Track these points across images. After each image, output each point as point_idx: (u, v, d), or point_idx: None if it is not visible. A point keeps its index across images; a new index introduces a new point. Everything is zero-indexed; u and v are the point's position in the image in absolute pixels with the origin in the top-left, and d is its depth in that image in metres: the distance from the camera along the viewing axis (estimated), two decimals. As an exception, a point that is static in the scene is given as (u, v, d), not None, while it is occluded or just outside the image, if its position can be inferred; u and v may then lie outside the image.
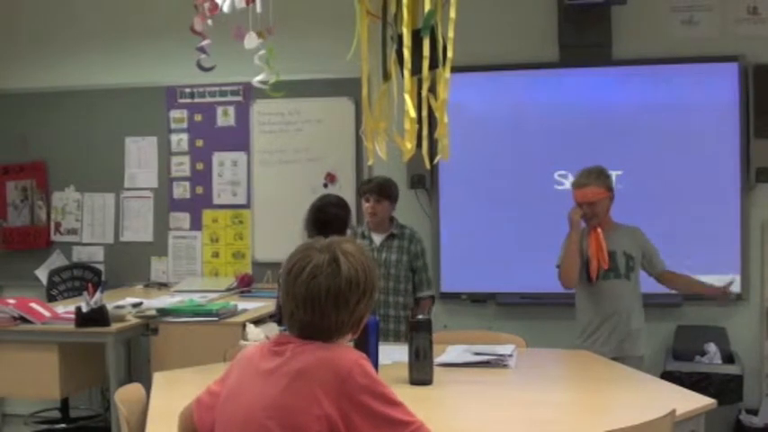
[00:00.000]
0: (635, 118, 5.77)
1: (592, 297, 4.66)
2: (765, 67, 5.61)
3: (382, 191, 5.08)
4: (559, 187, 5.77)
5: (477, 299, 5.91)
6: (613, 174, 5.60)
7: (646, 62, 5.77)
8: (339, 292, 2.25)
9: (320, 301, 2.24)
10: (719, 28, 5.78)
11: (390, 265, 5.06)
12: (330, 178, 6.14)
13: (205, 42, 4.24)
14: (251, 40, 4.08)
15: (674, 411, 2.73)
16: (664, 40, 5.80)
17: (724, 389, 5.12)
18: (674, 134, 5.72)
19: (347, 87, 5.83)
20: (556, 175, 5.83)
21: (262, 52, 4.13)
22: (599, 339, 4.61)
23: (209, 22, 4.15)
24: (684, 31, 5.81)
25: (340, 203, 4.81)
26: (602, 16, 5.74)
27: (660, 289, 5.08)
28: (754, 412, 5.44)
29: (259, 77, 4.21)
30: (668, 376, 4.97)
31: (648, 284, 4.85)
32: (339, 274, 2.25)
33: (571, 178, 5.06)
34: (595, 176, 4.64)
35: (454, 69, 3.63)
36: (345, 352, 2.24)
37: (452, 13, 3.55)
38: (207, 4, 4.09)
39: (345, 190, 5.96)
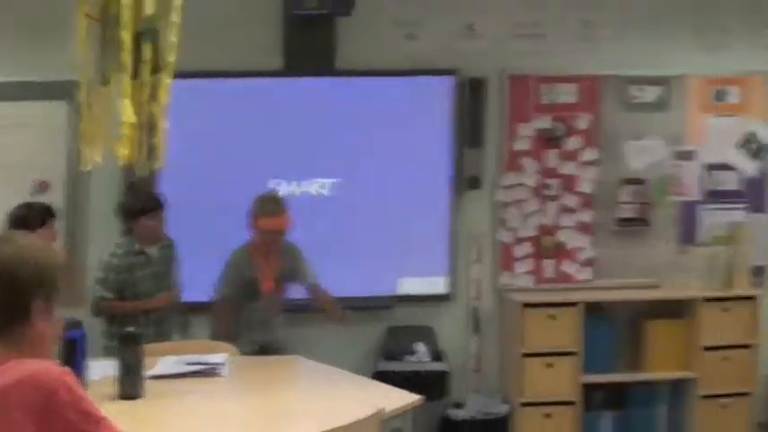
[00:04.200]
0: (354, 127, 5.91)
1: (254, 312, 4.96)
2: (478, 81, 5.96)
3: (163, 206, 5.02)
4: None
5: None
6: (329, 181, 5.81)
7: (368, 73, 5.92)
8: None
9: None
10: (439, 43, 6.04)
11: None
12: (42, 185, 5.75)
13: None
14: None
15: (382, 410, 2.87)
16: (386, 53, 5.97)
17: (432, 385, 5.37)
18: (391, 143, 5.91)
19: (61, 90, 5.41)
20: (272, 184, 5.78)
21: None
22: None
23: None
24: (406, 45, 6.02)
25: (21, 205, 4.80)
26: (327, 27, 5.82)
27: (371, 291, 5.30)
28: (461, 406, 5.76)
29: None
30: (380, 376, 5.09)
31: (359, 287, 5.06)
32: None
33: (286, 186, 5.23)
34: (283, 204, 4.90)
35: (176, 75, 3.59)
36: (48, 367, 2.20)
37: (175, 18, 3.52)
38: None
39: (57, 197, 5.63)
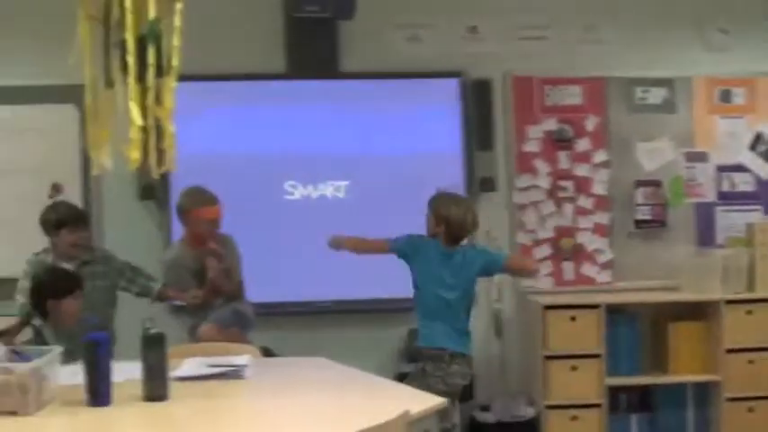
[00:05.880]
0: (362, 130, 5.89)
1: None
2: (483, 82, 5.94)
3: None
4: (289, 197, 5.80)
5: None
6: (341, 184, 5.80)
7: (372, 76, 5.90)
8: None
9: None
10: (442, 45, 6.01)
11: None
12: (56, 189, 5.70)
13: None
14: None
15: (407, 412, 2.76)
16: (390, 56, 5.95)
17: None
18: (401, 146, 5.87)
19: (70, 94, 5.04)
20: (286, 186, 5.83)
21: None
22: None
23: None
24: (409, 48, 6.00)
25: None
26: (329, 30, 5.80)
27: (390, 294, 5.24)
28: (488, 409, 5.69)
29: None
30: (402, 379, 5.00)
31: (379, 289, 4.92)
32: None
33: (301, 189, 5.13)
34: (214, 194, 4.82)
35: (181, 78, 3.49)
36: None
37: (178, 22, 3.43)
38: None
39: (73, 201, 5.54)
